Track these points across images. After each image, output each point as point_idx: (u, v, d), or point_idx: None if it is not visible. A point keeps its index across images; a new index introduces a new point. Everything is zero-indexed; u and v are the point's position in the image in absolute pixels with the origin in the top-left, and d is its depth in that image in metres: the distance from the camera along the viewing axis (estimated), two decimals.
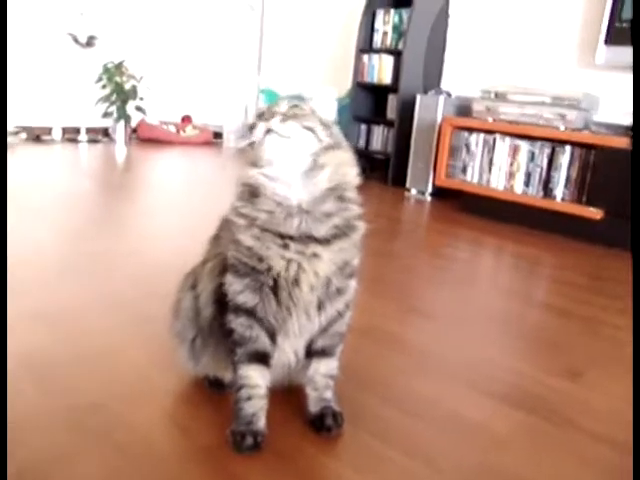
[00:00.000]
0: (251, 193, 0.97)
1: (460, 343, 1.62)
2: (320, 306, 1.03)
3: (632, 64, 2.90)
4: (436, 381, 1.38)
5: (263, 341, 1.03)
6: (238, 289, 1.00)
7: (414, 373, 1.42)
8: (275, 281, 0.98)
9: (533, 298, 2.13)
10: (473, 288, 2.19)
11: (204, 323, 1.12)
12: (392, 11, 4.19)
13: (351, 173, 1.01)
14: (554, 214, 3.07)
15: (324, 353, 1.09)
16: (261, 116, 0.96)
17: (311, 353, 1.09)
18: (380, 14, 4.25)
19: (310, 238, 0.96)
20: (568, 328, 1.81)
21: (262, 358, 1.04)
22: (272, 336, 1.04)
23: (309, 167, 0.95)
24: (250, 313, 1.01)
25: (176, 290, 1.20)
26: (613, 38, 3.15)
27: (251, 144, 0.95)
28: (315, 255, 0.97)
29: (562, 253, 2.77)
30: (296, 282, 0.98)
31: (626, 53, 3.07)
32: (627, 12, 3.08)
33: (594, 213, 2.90)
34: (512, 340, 1.70)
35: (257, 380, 1.03)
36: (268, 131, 0.93)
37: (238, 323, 1.02)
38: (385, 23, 4.23)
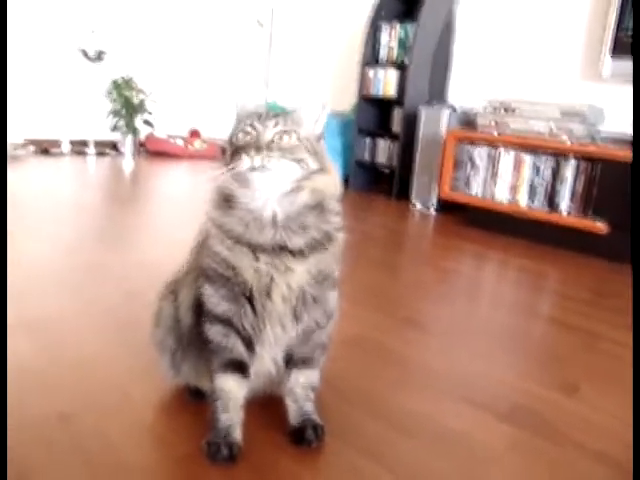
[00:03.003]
0: (227, 202, 0.96)
1: (456, 357, 1.59)
2: (295, 317, 1.01)
3: (632, 73, 2.87)
4: (428, 396, 1.35)
5: (239, 350, 1.01)
6: (214, 299, 0.99)
7: (406, 387, 1.38)
8: (250, 291, 0.97)
9: (534, 312, 2.09)
10: (473, 302, 2.15)
11: (184, 332, 1.10)
12: (397, 25, 4.19)
13: (332, 188, 0.99)
14: (559, 228, 3.03)
15: (304, 364, 1.07)
16: (247, 146, 0.92)
17: (291, 364, 1.07)
18: (386, 28, 4.26)
19: (284, 250, 0.95)
20: (568, 343, 1.77)
21: (239, 367, 1.02)
22: (249, 345, 1.02)
23: (290, 190, 0.94)
24: (226, 322, 1.00)
25: (157, 299, 1.18)
26: (618, 50, 3.12)
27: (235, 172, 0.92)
28: (288, 267, 0.95)
29: (566, 267, 2.73)
30: (268, 293, 0.97)
31: (631, 65, 3.04)
32: (632, 24, 3.05)
33: (599, 227, 2.86)
34: (509, 354, 1.66)
35: (234, 390, 1.02)
36: (253, 168, 0.91)
37: (214, 332, 1.01)
38: (391, 37, 4.24)
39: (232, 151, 0.94)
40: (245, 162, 0.90)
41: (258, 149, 0.90)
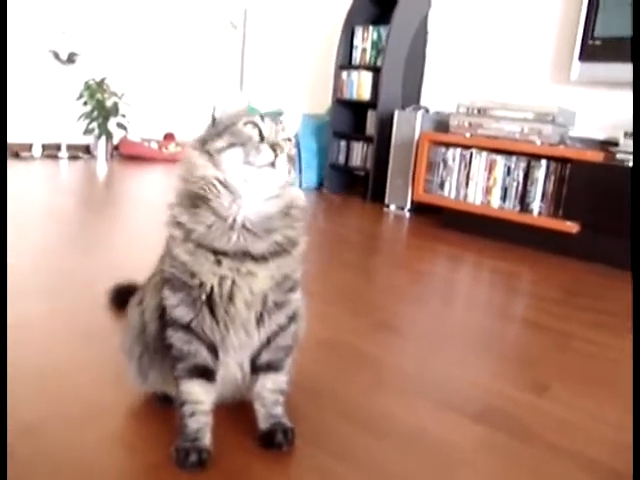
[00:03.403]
0: (192, 201, 0.94)
1: (429, 359, 1.59)
2: (259, 321, 1.00)
3: (632, 74, 2.92)
4: (402, 398, 1.35)
5: (203, 356, 1.00)
6: (174, 303, 0.97)
7: (380, 390, 1.38)
8: (210, 297, 0.96)
9: (507, 313, 2.10)
10: (448, 304, 2.17)
11: (150, 339, 1.08)
12: (371, 28, 4.21)
13: (302, 200, 1.00)
14: (531, 228, 3.06)
15: (270, 368, 1.06)
16: (253, 141, 0.91)
17: (257, 368, 1.06)
18: (359, 31, 4.27)
19: (246, 255, 0.94)
20: (540, 343, 1.79)
21: (204, 373, 1.00)
22: (213, 351, 1.01)
23: (272, 195, 0.94)
24: (187, 328, 0.98)
25: (128, 306, 1.17)
26: (587, 55, 3.18)
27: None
28: (250, 272, 0.94)
29: (538, 267, 2.76)
30: (230, 299, 0.96)
31: (599, 69, 3.11)
32: (600, 29, 3.11)
33: (570, 227, 2.90)
34: (483, 356, 1.67)
35: (200, 396, 1.00)
36: (272, 164, 0.91)
37: (177, 338, 0.99)
38: (364, 40, 4.26)
39: (222, 146, 0.92)
40: (267, 154, 0.90)
41: (274, 145, 0.91)
